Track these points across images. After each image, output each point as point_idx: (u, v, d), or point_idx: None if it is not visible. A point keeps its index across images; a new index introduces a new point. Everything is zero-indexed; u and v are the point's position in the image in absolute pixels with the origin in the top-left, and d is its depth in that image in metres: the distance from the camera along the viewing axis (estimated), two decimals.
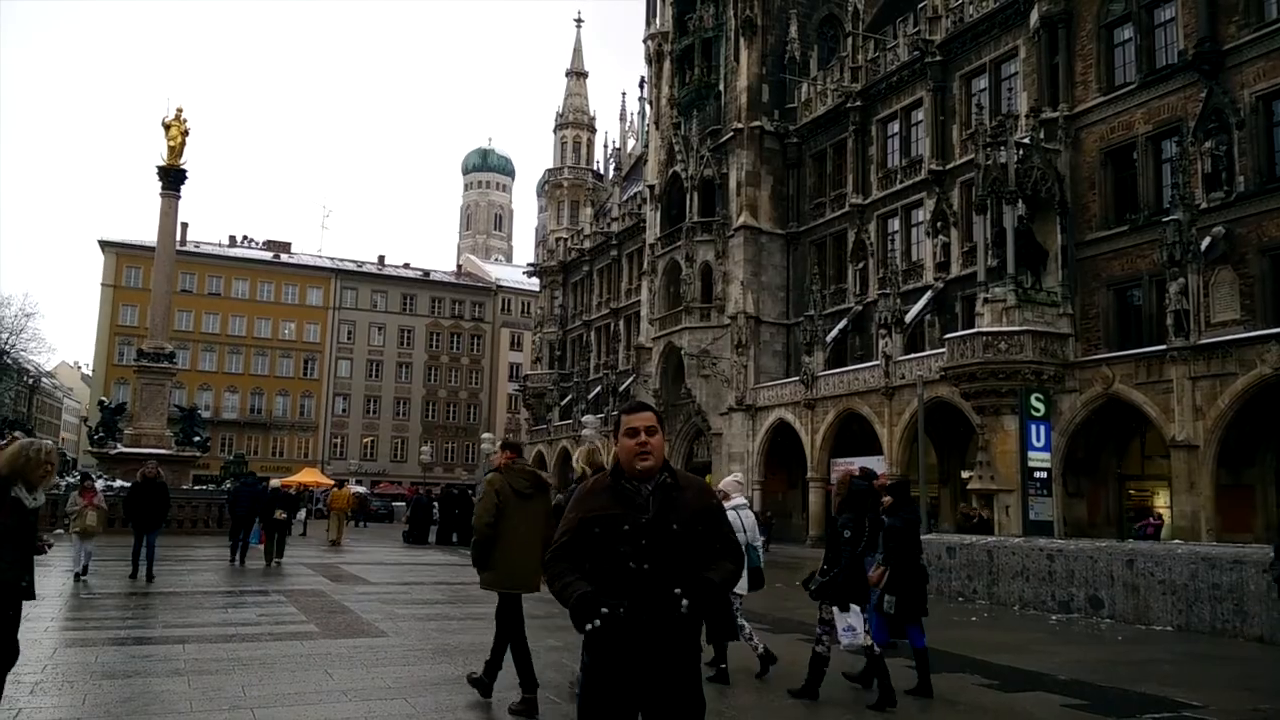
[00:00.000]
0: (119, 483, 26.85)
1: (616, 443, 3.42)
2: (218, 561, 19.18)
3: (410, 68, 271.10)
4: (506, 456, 6.98)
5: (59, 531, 26.42)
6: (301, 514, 26.96)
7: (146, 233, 51.47)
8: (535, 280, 62.33)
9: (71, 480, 33.13)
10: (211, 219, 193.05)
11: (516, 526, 6.60)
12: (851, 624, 7.16)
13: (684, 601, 3.17)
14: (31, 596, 5.30)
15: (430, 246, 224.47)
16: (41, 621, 10.32)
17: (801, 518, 33.15)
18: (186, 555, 20.20)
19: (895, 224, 32.62)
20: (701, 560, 3.28)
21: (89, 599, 12.61)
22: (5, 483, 5.11)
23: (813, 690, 7.37)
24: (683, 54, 40.79)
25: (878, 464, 29.97)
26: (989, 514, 23.52)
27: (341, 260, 75.37)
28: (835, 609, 7.29)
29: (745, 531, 8.38)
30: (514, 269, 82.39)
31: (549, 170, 63.54)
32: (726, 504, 8.19)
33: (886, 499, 8.27)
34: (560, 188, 61.29)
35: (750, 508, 9.24)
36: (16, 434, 34.53)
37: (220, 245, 72.49)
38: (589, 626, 3.14)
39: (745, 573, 7.77)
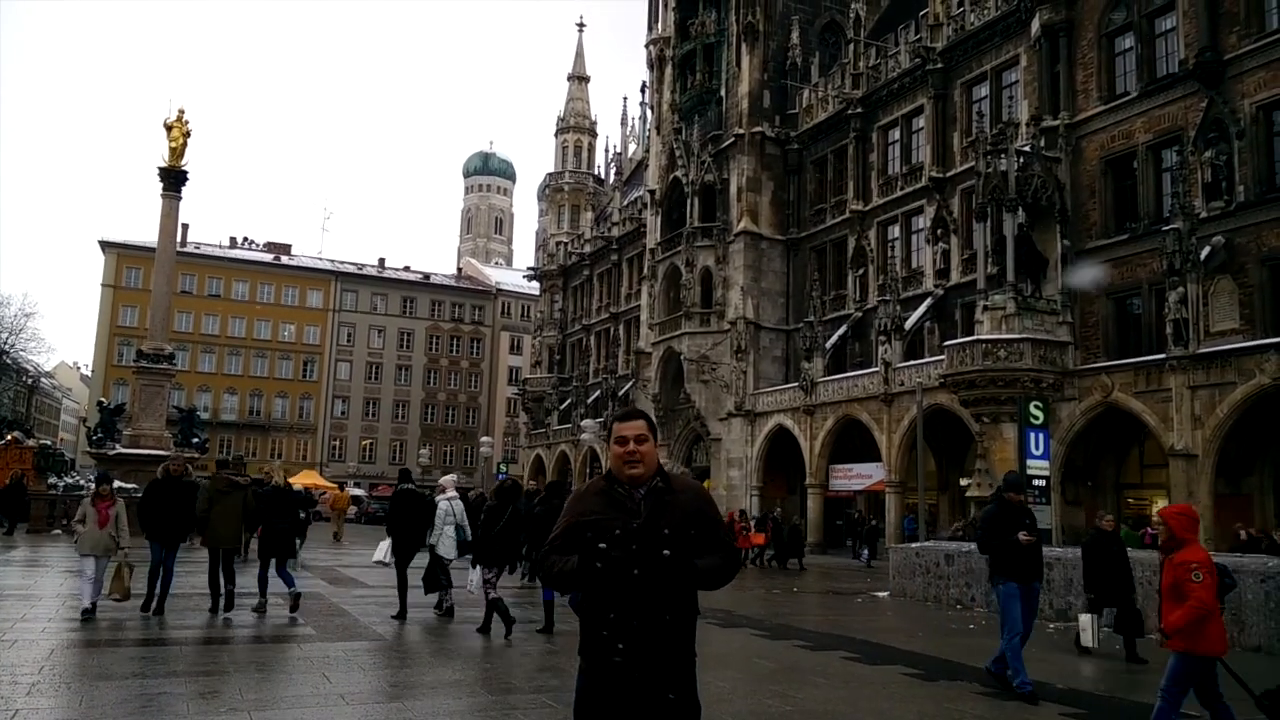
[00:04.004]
0: (117, 484, 26.80)
1: (610, 448, 3.45)
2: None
3: (412, 70, 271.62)
4: (221, 472, 11.85)
5: (56, 532, 26.48)
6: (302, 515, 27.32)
7: (147, 233, 51.53)
8: (535, 284, 62.35)
9: (71, 480, 33.14)
10: (212, 220, 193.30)
11: (222, 511, 11.19)
12: (476, 578, 10.87)
13: (665, 552, 3.20)
14: None
15: (430, 249, 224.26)
16: (39, 622, 10.30)
17: (800, 524, 33.06)
18: (183, 557, 20.14)
19: (895, 231, 32.65)
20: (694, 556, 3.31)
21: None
22: None
23: (508, 626, 10.21)
24: (684, 59, 40.86)
25: (877, 470, 30.02)
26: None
27: (342, 263, 75.40)
28: (477, 566, 10.81)
29: (456, 516, 11.72)
30: (514, 272, 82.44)
31: (550, 174, 63.57)
32: (440, 496, 12.05)
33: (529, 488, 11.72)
34: (561, 192, 61.31)
35: (461, 498, 12.61)
36: (15, 434, 34.59)
37: (221, 246, 72.52)
38: (599, 564, 3.19)
39: (455, 542, 11.63)
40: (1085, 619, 11.04)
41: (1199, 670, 5.78)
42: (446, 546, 11.68)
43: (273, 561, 11.55)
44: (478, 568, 10.85)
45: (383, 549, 12.17)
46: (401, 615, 11.40)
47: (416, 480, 14.90)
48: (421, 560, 12.07)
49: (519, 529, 10.92)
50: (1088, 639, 10.86)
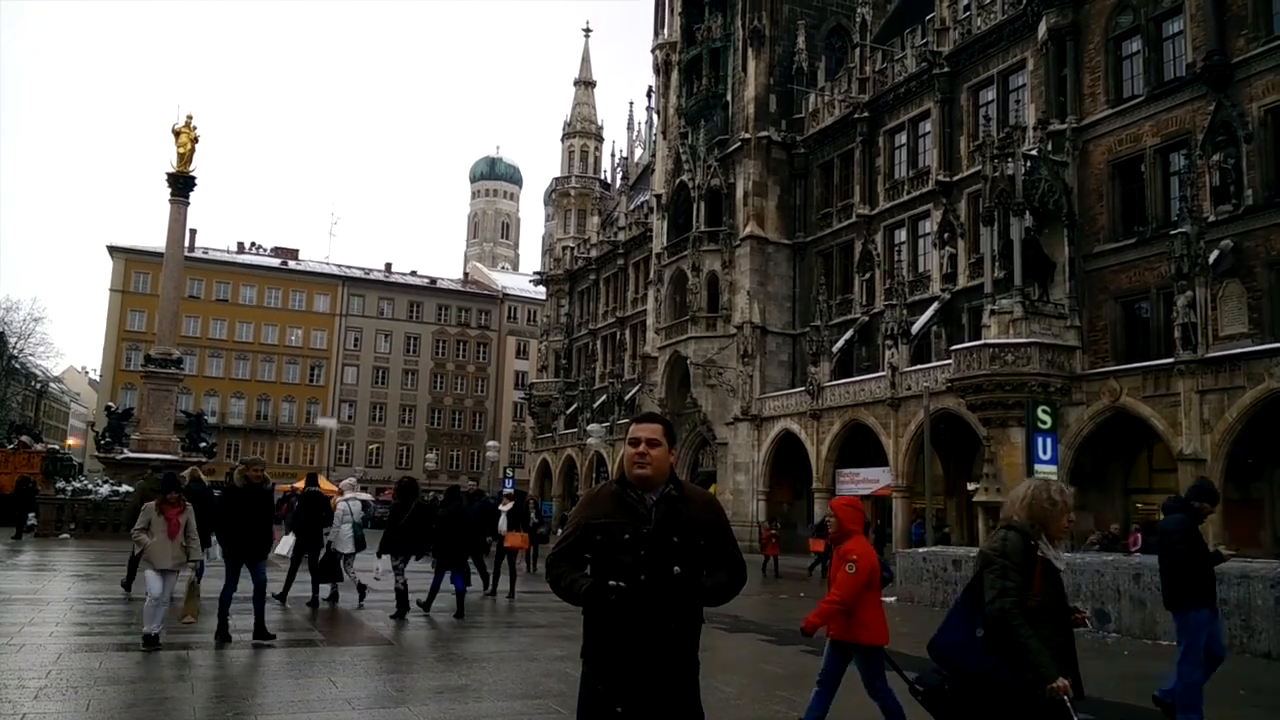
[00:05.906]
0: (125, 487, 26.93)
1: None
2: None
3: (419, 76, 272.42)
4: (154, 474, 12.82)
5: (64, 536, 26.53)
6: None
7: (155, 239, 51.70)
8: (541, 288, 62.40)
9: (79, 485, 33.20)
10: (220, 225, 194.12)
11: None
12: (384, 567, 12.03)
13: (675, 569, 3.19)
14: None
15: (437, 254, 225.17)
16: (46, 626, 10.33)
17: (807, 529, 33.00)
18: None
19: (902, 235, 32.59)
20: (701, 571, 3.30)
21: (94, 604, 12.60)
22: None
23: (402, 613, 11.73)
24: (691, 64, 40.88)
25: (884, 475, 29.94)
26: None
27: (349, 267, 75.58)
28: (385, 556, 11.98)
29: (354, 515, 13.19)
30: (520, 277, 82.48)
31: (556, 179, 63.65)
32: (340, 498, 13.54)
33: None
34: (567, 196, 61.38)
35: (360, 500, 14.22)
36: (23, 438, 34.70)
37: (228, 251, 72.75)
38: (613, 597, 3.16)
39: (352, 538, 13.14)
40: None
41: (871, 661, 5.97)
42: (344, 542, 13.04)
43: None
44: (384, 556, 12.06)
45: (285, 544, 13.28)
46: (313, 603, 12.70)
47: (421, 485, 15.69)
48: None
49: (423, 522, 12.19)
50: None
